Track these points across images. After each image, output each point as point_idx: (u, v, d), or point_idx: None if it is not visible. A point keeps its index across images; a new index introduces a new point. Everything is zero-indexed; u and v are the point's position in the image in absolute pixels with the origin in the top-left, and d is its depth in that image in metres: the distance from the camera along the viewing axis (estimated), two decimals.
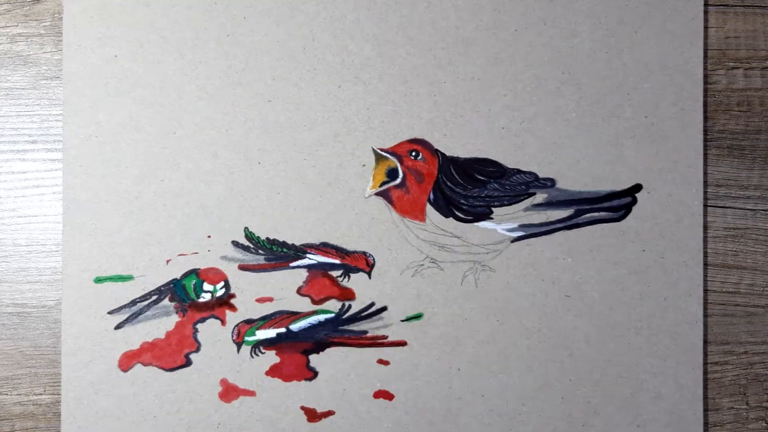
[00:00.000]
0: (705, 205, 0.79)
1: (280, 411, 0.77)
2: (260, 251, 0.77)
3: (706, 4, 0.80)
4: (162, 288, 0.77)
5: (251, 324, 0.77)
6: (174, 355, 0.77)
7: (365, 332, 0.77)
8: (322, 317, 0.77)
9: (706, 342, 0.80)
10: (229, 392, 0.77)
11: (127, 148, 0.76)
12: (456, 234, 0.77)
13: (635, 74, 0.78)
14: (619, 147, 0.78)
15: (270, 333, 0.77)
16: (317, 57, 0.77)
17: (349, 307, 0.77)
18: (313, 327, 0.77)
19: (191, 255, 0.77)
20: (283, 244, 0.77)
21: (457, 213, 0.77)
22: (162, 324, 0.77)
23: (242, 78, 0.77)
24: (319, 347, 0.77)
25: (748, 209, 0.80)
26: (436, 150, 0.77)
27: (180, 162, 0.76)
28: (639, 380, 0.78)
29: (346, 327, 0.77)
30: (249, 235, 0.77)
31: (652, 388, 0.78)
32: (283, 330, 0.77)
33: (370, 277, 0.77)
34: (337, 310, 0.77)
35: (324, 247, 0.77)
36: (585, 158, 0.77)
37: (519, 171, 0.77)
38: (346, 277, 0.77)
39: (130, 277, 0.76)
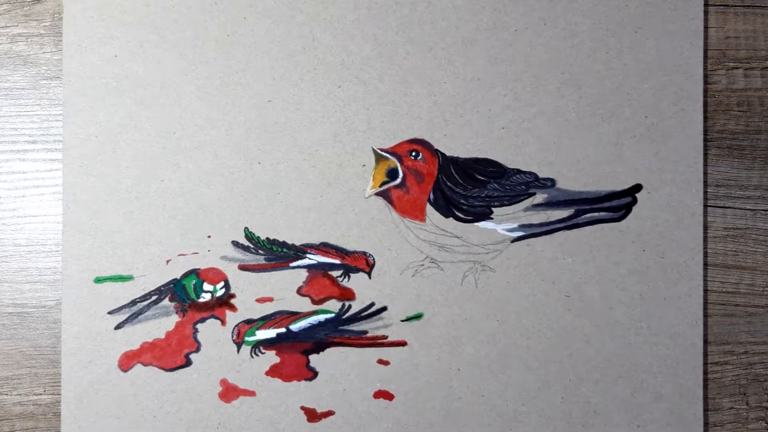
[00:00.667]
0: (705, 205, 0.79)
1: (280, 411, 0.77)
2: (260, 251, 0.77)
3: (706, 5, 0.80)
4: (162, 288, 0.77)
5: (251, 324, 0.77)
6: (174, 355, 0.77)
7: (365, 332, 0.77)
8: (322, 317, 0.77)
9: (706, 342, 0.80)
10: (229, 392, 0.77)
11: (127, 148, 0.76)
12: (456, 234, 0.77)
13: (635, 74, 0.78)
14: (619, 147, 0.78)
15: (270, 333, 0.77)
16: (317, 57, 0.77)
17: (349, 307, 0.77)
18: (313, 327, 0.77)
19: (191, 255, 0.77)
20: (283, 244, 0.77)
21: (457, 213, 0.77)
22: (162, 324, 0.77)
23: (242, 78, 0.77)
24: (319, 347, 0.77)
25: (748, 209, 0.80)
26: (436, 150, 0.77)
27: (180, 162, 0.76)
28: (639, 380, 0.78)
29: (346, 327, 0.77)
30: (249, 235, 0.77)
31: (652, 388, 0.78)
32: (283, 330, 0.77)
33: (370, 277, 0.77)
34: (337, 310, 0.77)
35: (324, 247, 0.77)
36: (585, 158, 0.77)
37: (519, 171, 0.77)
38: (346, 277, 0.77)
39: (130, 277, 0.76)
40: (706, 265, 0.79)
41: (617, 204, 0.78)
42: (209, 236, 0.77)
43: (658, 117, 0.78)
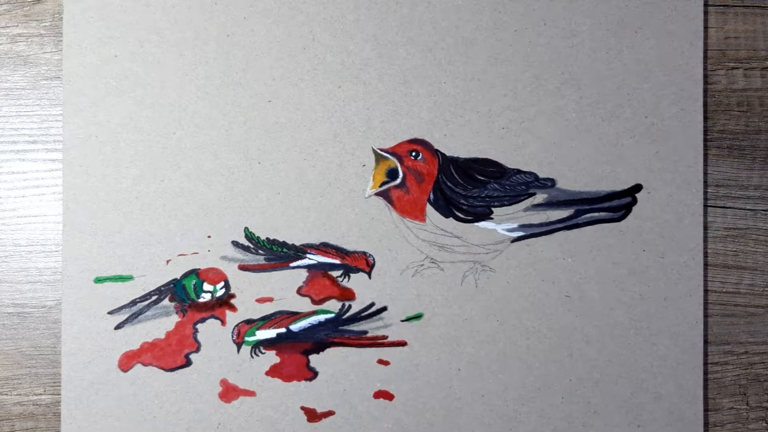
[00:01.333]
0: (705, 205, 0.79)
1: (280, 411, 0.77)
2: (260, 251, 0.77)
3: (706, 5, 0.80)
4: (162, 288, 0.77)
5: (251, 324, 0.77)
6: (174, 355, 0.77)
7: (365, 332, 0.77)
8: (322, 317, 0.77)
9: (706, 342, 0.80)
10: (229, 392, 0.77)
11: (127, 149, 0.76)
12: (456, 234, 0.77)
13: (635, 74, 0.78)
14: (619, 147, 0.78)
15: (270, 333, 0.77)
16: (317, 57, 0.77)
17: (349, 307, 0.77)
18: (313, 327, 0.77)
19: (191, 255, 0.77)
20: (283, 244, 0.77)
21: (457, 213, 0.77)
22: (162, 324, 0.77)
23: (242, 78, 0.77)
24: (319, 347, 0.77)
25: (748, 209, 0.80)
26: (436, 150, 0.77)
27: (180, 162, 0.76)
28: (639, 380, 0.78)
29: (346, 327, 0.77)
30: (249, 235, 0.77)
31: (652, 389, 0.78)
32: (283, 330, 0.77)
33: (370, 277, 0.77)
34: (337, 311, 0.77)
35: (324, 247, 0.77)
36: (585, 158, 0.77)
37: (519, 171, 0.77)
38: (346, 277, 0.77)
39: (130, 278, 0.76)
40: (706, 265, 0.79)
41: (617, 204, 0.78)
42: (209, 236, 0.77)
43: (658, 117, 0.78)
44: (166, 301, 0.77)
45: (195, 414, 0.77)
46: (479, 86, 0.77)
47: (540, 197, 0.78)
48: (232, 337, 0.77)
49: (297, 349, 0.77)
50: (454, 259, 0.77)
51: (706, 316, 0.79)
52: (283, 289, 0.77)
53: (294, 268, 0.77)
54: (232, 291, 0.77)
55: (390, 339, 0.77)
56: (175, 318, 0.77)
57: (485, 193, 0.77)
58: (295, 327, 0.77)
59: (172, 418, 0.77)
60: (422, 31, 0.77)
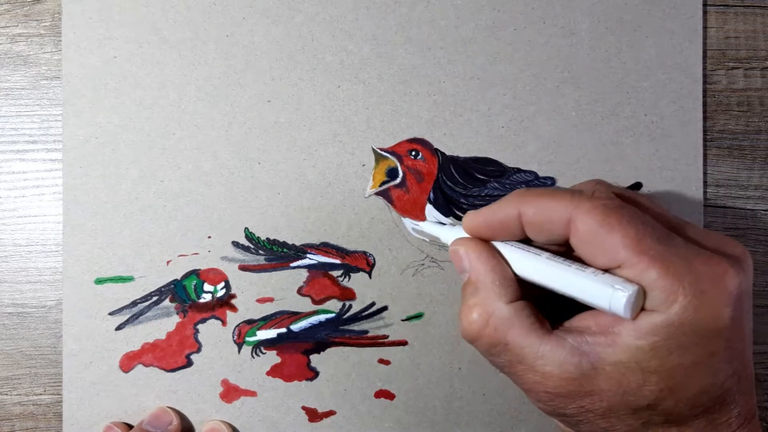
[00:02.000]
0: (705, 205, 0.79)
1: (281, 411, 0.77)
2: (260, 251, 0.77)
3: (705, 4, 0.80)
4: (162, 289, 0.77)
5: (252, 324, 0.77)
6: (175, 355, 0.77)
7: (366, 332, 0.77)
8: (322, 317, 0.77)
9: None
10: (230, 392, 0.77)
11: (127, 149, 0.76)
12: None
13: (635, 73, 0.78)
14: (618, 146, 0.78)
15: (271, 333, 0.77)
16: (316, 57, 0.77)
17: (350, 306, 0.77)
18: (313, 327, 0.77)
19: (191, 256, 0.77)
20: (284, 244, 0.77)
21: (457, 212, 0.77)
22: (163, 325, 0.77)
23: (242, 78, 0.77)
24: (320, 347, 0.77)
25: (748, 209, 0.80)
26: (436, 149, 0.77)
27: (180, 163, 0.76)
28: None
29: (346, 327, 0.77)
30: (249, 236, 0.77)
31: None
32: (283, 330, 0.77)
33: (370, 277, 0.77)
34: (337, 310, 0.77)
35: (324, 247, 0.77)
36: (585, 157, 0.77)
37: (519, 170, 0.77)
38: (347, 277, 0.77)
39: (130, 278, 0.76)
40: None
41: None
42: (209, 237, 0.77)
43: (658, 116, 0.78)
44: (166, 302, 0.77)
45: (196, 414, 0.77)
46: (479, 85, 0.77)
47: None
48: (233, 337, 0.77)
49: (298, 349, 0.77)
50: None
51: None
52: (284, 289, 0.77)
53: (294, 268, 0.77)
54: (233, 291, 0.77)
55: (391, 338, 0.77)
56: (176, 318, 0.76)
57: (485, 192, 0.77)
58: (296, 327, 0.77)
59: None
60: (421, 31, 0.78)
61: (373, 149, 0.77)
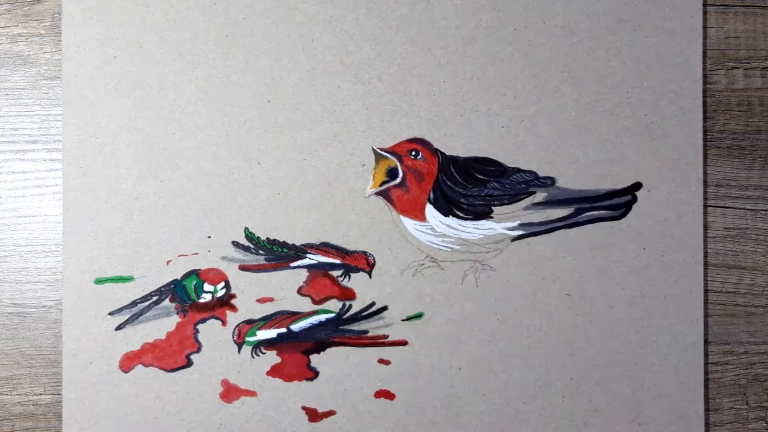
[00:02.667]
0: (705, 205, 0.79)
1: (281, 411, 0.77)
2: (260, 251, 0.77)
3: (705, 4, 0.80)
4: (162, 289, 0.76)
5: (252, 324, 0.77)
6: (175, 355, 0.77)
7: (366, 332, 0.77)
8: (322, 317, 0.77)
9: (706, 342, 0.80)
10: (230, 392, 0.77)
11: (127, 149, 0.76)
12: (454, 234, 0.77)
13: (635, 73, 0.78)
14: (618, 145, 0.78)
15: (271, 333, 0.77)
16: (316, 57, 0.77)
17: (350, 306, 0.77)
18: (313, 327, 0.77)
19: (191, 255, 0.77)
20: (284, 244, 0.77)
21: (457, 212, 0.77)
22: (163, 325, 0.77)
23: (241, 78, 0.77)
24: (320, 347, 0.77)
25: (748, 209, 0.81)
26: (436, 149, 0.77)
27: (180, 162, 0.76)
28: (640, 379, 0.78)
29: (346, 327, 0.77)
30: (249, 236, 0.77)
31: (653, 387, 0.78)
32: (283, 330, 0.77)
33: (370, 277, 0.77)
34: (337, 310, 0.77)
35: (324, 247, 0.77)
36: (585, 157, 0.77)
37: (519, 170, 0.77)
38: (347, 277, 0.77)
39: (130, 278, 0.76)
40: (706, 264, 0.79)
41: (617, 202, 0.78)
42: (209, 237, 0.77)
43: (658, 115, 0.78)
44: (166, 302, 0.76)
45: (196, 414, 0.77)
46: (479, 85, 0.77)
47: (540, 196, 0.78)
48: (233, 337, 0.77)
49: (298, 348, 0.77)
50: (455, 258, 0.77)
51: (706, 315, 0.79)
52: (284, 289, 0.77)
53: (294, 268, 0.77)
54: (233, 291, 0.77)
55: (391, 338, 0.77)
56: (176, 318, 0.76)
57: (485, 192, 0.77)
58: (296, 327, 0.77)
59: (173, 418, 0.77)
60: (421, 31, 0.78)
61: (373, 149, 0.77)
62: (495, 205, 0.77)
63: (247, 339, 0.77)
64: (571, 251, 0.77)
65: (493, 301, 0.77)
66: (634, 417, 0.78)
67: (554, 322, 0.77)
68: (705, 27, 0.80)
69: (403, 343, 0.77)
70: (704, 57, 0.80)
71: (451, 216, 0.77)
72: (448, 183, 0.77)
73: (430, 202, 0.77)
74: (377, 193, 0.77)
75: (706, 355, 0.79)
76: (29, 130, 0.78)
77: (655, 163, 0.78)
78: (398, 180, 0.77)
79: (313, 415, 0.77)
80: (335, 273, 0.77)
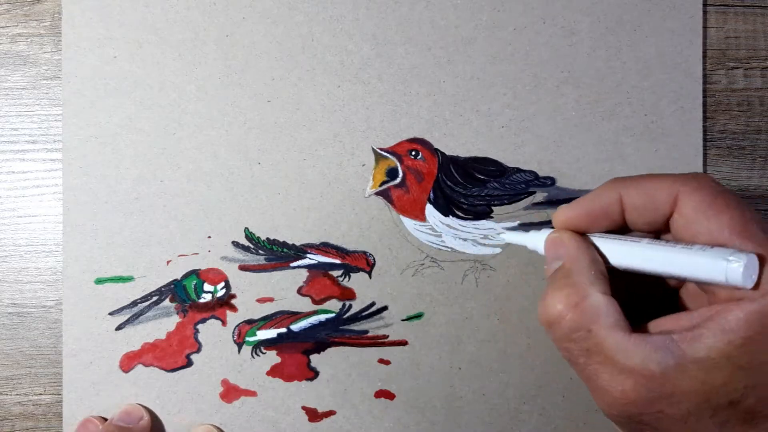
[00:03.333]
0: None
1: (281, 411, 0.77)
2: (260, 251, 0.77)
3: (705, 4, 0.80)
4: (162, 289, 0.77)
5: (252, 324, 0.77)
6: (175, 355, 0.77)
7: (366, 332, 0.77)
8: (322, 317, 0.77)
9: None
10: (230, 392, 0.77)
11: (127, 149, 0.76)
12: (454, 233, 0.77)
13: (635, 73, 0.78)
14: (618, 145, 0.78)
15: (271, 333, 0.77)
16: (316, 57, 0.77)
17: (350, 306, 0.77)
18: (313, 327, 0.77)
19: (191, 256, 0.77)
20: (284, 244, 0.77)
21: (457, 212, 0.77)
22: (163, 325, 0.77)
23: (241, 78, 0.77)
24: (320, 347, 0.77)
25: None
26: (436, 149, 0.77)
27: (180, 162, 0.76)
28: None
29: (346, 327, 0.77)
30: (249, 236, 0.77)
31: None
32: (283, 330, 0.77)
33: (370, 277, 0.77)
34: (337, 310, 0.77)
35: (324, 247, 0.77)
36: (585, 157, 0.77)
37: (519, 170, 0.77)
38: (347, 277, 0.77)
39: (130, 278, 0.76)
40: None
41: None
42: (209, 237, 0.77)
43: (658, 115, 0.78)
44: (166, 302, 0.77)
45: (196, 414, 0.77)
46: (479, 85, 0.77)
47: (540, 196, 0.78)
48: (233, 337, 0.77)
49: (298, 349, 0.77)
50: (455, 258, 0.77)
51: None
52: (284, 289, 0.77)
53: (294, 268, 0.77)
54: (233, 291, 0.77)
55: (391, 338, 0.77)
56: (176, 318, 0.76)
57: (485, 192, 0.77)
58: (296, 327, 0.77)
59: (173, 418, 0.77)
60: (421, 31, 0.78)
61: (373, 149, 0.77)
62: (495, 205, 0.77)
63: (247, 339, 0.77)
64: None
65: (494, 301, 0.77)
66: None
67: None
68: (705, 27, 0.80)
69: (403, 343, 0.77)
70: (704, 57, 0.80)
71: (451, 216, 0.77)
72: (448, 183, 0.77)
73: (430, 202, 0.77)
74: (377, 193, 0.77)
75: None
76: (29, 130, 0.78)
77: (655, 163, 0.78)
78: (398, 180, 0.77)
79: (313, 415, 0.77)
80: (335, 273, 0.77)
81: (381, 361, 0.77)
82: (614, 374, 0.54)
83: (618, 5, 0.78)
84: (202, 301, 0.76)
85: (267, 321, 0.77)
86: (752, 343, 0.51)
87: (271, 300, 0.77)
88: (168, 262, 0.76)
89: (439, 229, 0.77)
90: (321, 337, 0.77)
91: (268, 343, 0.77)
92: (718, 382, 0.51)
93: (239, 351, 0.77)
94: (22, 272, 0.78)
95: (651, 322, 0.57)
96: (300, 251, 0.77)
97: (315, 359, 0.77)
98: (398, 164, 0.77)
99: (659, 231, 0.60)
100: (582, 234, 0.62)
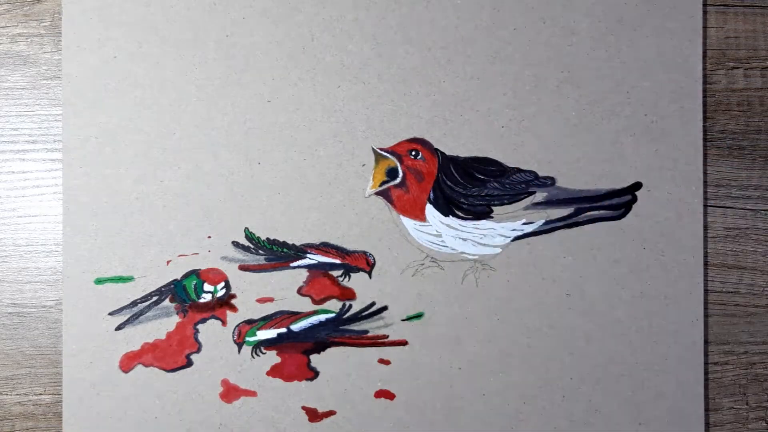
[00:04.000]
0: (705, 205, 0.79)
1: (281, 411, 0.77)
2: (260, 251, 0.77)
3: (705, 4, 0.80)
4: (162, 289, 0.76)
5: (252, 324, 0.77)
6: (175, 355, 0.77)
7: (366, 332, 0.77)
8: (322, 317, 0.77)
9: (706, 342, 0.80)
10: (230, 392, 0.77)
11: (127, 149, 0.76)
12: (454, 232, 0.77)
13: (634, 73, 0.78)
14: (618, 145, 0.78)
15: (271, 333, 0.77)
16: (316, 57, 0.77)
17: (350, 306, 0.77)
18: (313, 327, 0.77)
19: (191, 255, 0.77)
20: (284, 244, 0.77)
21: (457, 212, 0.77)
22: (163, 325, 0.77)
23: (242, 78, 0.77)
24: (320, 347, 0.77)
25: (748, 209, 0.81)
26: (436, 149, 0.77)
27: (180, 162, 0.76)
28: (640, 379, 0.78)
29: (346, 327, 0.77)
30: (249, 236, 0.77)
31: (653, 387, 0.78)
32: (283, 330, 0.77)
33: (370, 277, 0.77)
34: (337, 310, 0.77)
35: (324, 247, 0.77)
36: (585, 157, 0.77)
37: (519, 170, 0.77)
38: (347, 277, 0.77)
39: (130, 278, 0.76)
40: (706, 264, 0.79)
41: (617, 202, 0.78)
42: (209, 237, 0.76)
43: (658, 115, 0.78)
44: (166, 302, 0.76)
45: (196, 414, 0.77)
46: (478, 85, 0.77)
47: (540, 196, 0.78)
48: (233, 337, 0.77)
49: (298, 349, 0.77)
50: (455, 258, 0.77)
51: (706, 316, 0.79)
52: (284, 289, 0.77)
53: (294, 268, 0.77)
54: (233, 291, 0.77)
55: (391, 338, 0.77)
56: (176, 318, 0.76)
57: (485, 192, 0.77)
58: (296, 327, 0.77)
59: (173, 418, 0.77)
60: (421, 31, 0.78)
61: (373, 149, 0.77)
62: (495, 205, 0.77)
63: (247, 339, 0.77)
64: (571, 251, 0.77)
65: (493, 301, 0.77)
66: (634, 417, 0.78)
67: (554, 322, 0.77)
68: (705, 27, 0.80)
69: (403, 343, 0.77)
70: (704, 57, 0.80)
71: (451, 216, 0.77)
72: (448, 183, 0.77)
73: (430, 202, 0.77)
74: (377, 193, 0.77)
75: (706, 355, 0.79)
76: (29, 130, 0.78)
77: (655, 163, 0.78)
78: (398, 180, 0.77)
79: (313, 415, 0.77)
80: (335, 273, 0.77)
81: (381, 361, 0.77)
82: None
83: (618, 5, 0.78)
84: (202, 301, 0.76)
85: (267, 321, 0.77)
86: None
87: (271, 300, 0.77)
88: (168, 262, 0.76)
89: (439, 229, 0.77)
90: (321, 337, 0.77)
91: (268, 343, 0.77)
92: None
93: (239, 351, 0.77)
94: (22, 272, 0.78)
95: None
96: (300, 251, 0.77)
97: (315, 359, 0.77)
98: (398, 164, 0.77)
99: None
100: None
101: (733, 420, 0.80)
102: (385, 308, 0.77)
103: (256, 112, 0.77)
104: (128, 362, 0.76)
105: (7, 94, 0.78)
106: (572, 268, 0.77)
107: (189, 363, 0.77)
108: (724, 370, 0.80)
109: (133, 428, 0.76)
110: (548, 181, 0.77)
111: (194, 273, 0.77)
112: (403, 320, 0.77)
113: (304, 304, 0.77)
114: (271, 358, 0.77)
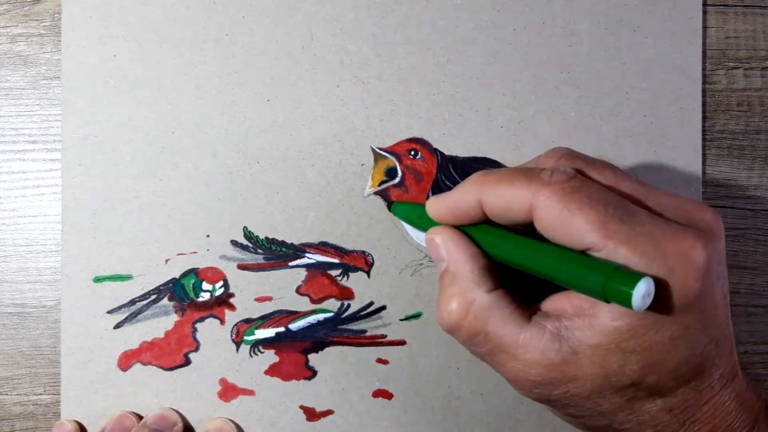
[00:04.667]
0: None
1: (279, 410, 0.77)
2: (259, 250, 0.77)
3: (705, 4, 0.80)
4: (161, 287, 0.77)
5: (250, 323, 0.77)
6: (173, 354, 0.77)
7: (364, 331, 0.77)
8: (321, 316, 0.77)
9: None
10: (228, 391, 0.77)
11: (126, 148, 0.76)
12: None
13: (634, 73, 0.78)
14: (617, 146, 0.78)
15: (269, 332, 0.77)
16: (316, 56, 0.77)
17: (348, 306, 0.77)
18: (312, 326, 0.77)
19: (190, 254, 0.77)
20: (282, 243, 0.77)
21: None
22: (161, 323, 0.77)
23: (241, 77, 0.77)
24: (318, 346, 0.77)
25: (748, 209, 0.80)
26: (435, 149, 0.77)
27: (179, 161, 0.76)
28: None
29: (345, 326, 0.77)
30: (248, 235, 0.77)
31: None
32: (282, 329, 0.77)
33: (369, 277, 0.77)
34: (336, 310, 0.77)
35: (323, 247, 0.77)
36: None
37: None
38: (345, 277, 0.77)
39: (129, 277, 0.76)
40: None
41: None
42: (208, 235, 0.77)
43: (657, 116, 0.78)
44: (165, 301, 0.77)
45: (194, 413, 0.77)
46: (478, 85, 0.78)
47: None
48: (231, 336, 0.77)
49: (296, 348, 0.77)
50: None
51: None
52: (282, 288, 0.77)
53: (293, 267, 0.77)
54: (231, 290, 0.77)
55: (389, 338, 0.77)
56: (174, 317, 0.77)
57: None
58: (294, 326, 0.77)
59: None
60: (421, 31, 0.78)
61: (372, 149, 0.77)
62: None
63: (246, 338, 0.77)
64: None
65: None
66: None
67: None
68: (705, 27, 0.80)
69: (402, 342, 0.77)
70: (704, 57, 0.80)
71: None
72: (447, 183, 0.77)
73: None
74: (376, 193, 0.77)
75: None
76: (29, 130, 0.78)
77: (654, 164, 0.78)
78: (397, 180, 0.77)
79: (311, 415, 0.77)
80: (334, 272, 0.77)
81: (379, 360, 0.77)
82: (518, 365, 0.56)
83: (618, 6, 0.78)
84: (200, 299, 0.76)
85: (265, 320, 0.77)
86: (637, 329, 0.52)
87: (269, 299, 0.77)
88: (166, 260, 0.77)
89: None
90: (319, 337, 0.77)
91: (267, 342, 0.77)
92: (615, 366, 0.53)
93: (237, 350, 0.77)
94: (22, 272, 0.78)
95: (546, 302, 0.58)
96: (299, 250, 0.77)
97: (313, 358, 0.77)
98: (397, 164, 0.77)
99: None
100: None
101: None
102: (383, 308, 0.77)
103: (255, 111, 0.77)
104: (126, 360, 0.77)
105: (7, 94, 0.78)
106: None
107: (187, 362, 0.77)
108: None
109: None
110: None
111: (193, 272, 0.77)
112: (401, 320, 0.77)
113: (303, 304, 0.77)
114: (270, 357, 0.77)
